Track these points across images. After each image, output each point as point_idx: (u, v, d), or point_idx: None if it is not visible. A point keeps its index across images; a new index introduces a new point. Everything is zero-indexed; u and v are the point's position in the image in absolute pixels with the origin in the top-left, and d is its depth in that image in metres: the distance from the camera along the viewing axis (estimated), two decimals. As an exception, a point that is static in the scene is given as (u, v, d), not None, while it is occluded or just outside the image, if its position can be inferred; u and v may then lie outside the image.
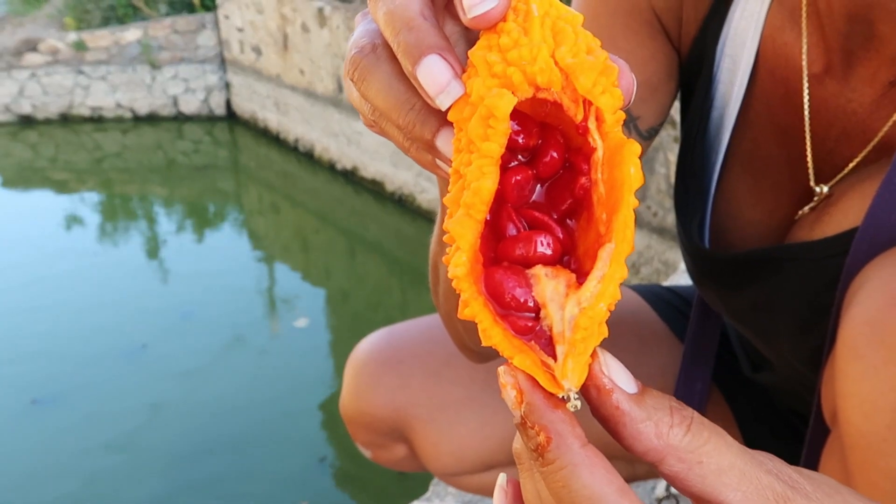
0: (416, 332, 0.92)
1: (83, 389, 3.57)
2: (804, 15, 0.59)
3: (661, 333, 0.90)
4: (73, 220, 5.67)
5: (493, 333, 0.34)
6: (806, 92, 0.60)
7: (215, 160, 7.18)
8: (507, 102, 0.35)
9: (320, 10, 6.00)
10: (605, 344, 0.36)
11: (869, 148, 0.60)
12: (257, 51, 6.92)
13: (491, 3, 0.35)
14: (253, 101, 7.15)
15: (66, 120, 7.15)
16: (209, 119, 7.40)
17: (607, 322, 0.35)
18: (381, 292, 4.70)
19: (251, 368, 3.76)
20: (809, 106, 0.61)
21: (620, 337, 0.82)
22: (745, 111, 0.66)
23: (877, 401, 0.52)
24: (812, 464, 0.66)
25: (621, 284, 0.42)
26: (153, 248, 5.30)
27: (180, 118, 7.36)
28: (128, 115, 7.30)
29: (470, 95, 0.36)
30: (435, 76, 0.35)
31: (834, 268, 0.60)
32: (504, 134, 0.35)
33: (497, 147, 0.35)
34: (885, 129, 0.59)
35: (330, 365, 3.88)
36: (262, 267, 5.04)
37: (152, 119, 7.31)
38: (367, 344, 0.93)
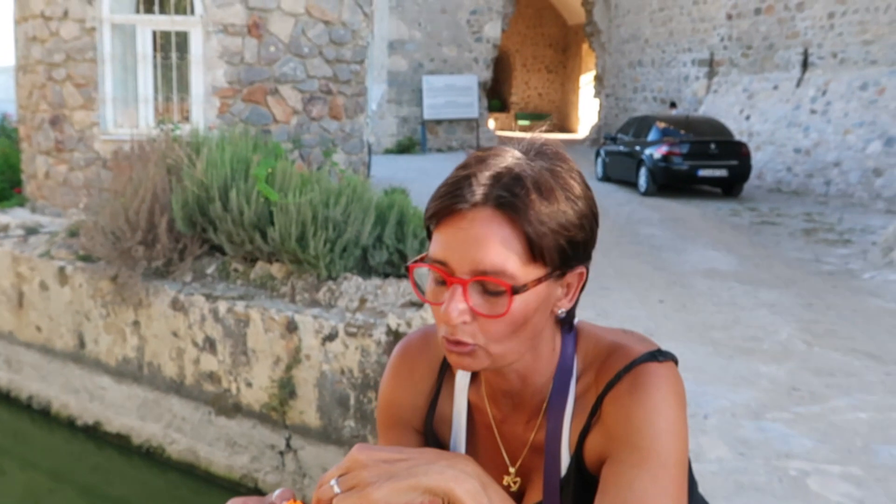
0: None
1: None
2: (485, 395, 1.17)
3: None
4: None
5: None
6: (495, 429, 1.17)
7: (-71, 424, 6.63)
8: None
9: (62, 269, 6.15)
10: None
11: (525, 450, 1.16)
12: (-14, 307, 6.75)
13: None
14: (-22, 359, 6.85)
15: None
16: (-76, 379, 6.89)
17: None
18: (128, 550, 4.63)
19: None
20: (499, 434, 1.17)
21: None
22: (471, 441, 1.20)
23: None
24: None
25: None
26: None
27: None
28: None
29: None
30: None
31: None
32: None
33: None
34: (529, 443, 1.15)
35: None
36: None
37: None
38: None
